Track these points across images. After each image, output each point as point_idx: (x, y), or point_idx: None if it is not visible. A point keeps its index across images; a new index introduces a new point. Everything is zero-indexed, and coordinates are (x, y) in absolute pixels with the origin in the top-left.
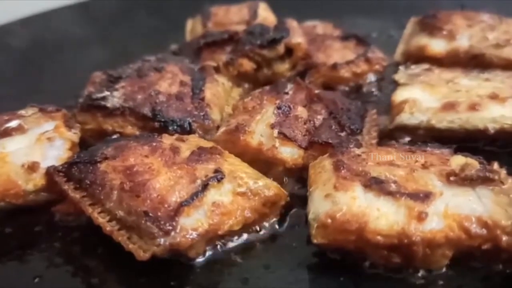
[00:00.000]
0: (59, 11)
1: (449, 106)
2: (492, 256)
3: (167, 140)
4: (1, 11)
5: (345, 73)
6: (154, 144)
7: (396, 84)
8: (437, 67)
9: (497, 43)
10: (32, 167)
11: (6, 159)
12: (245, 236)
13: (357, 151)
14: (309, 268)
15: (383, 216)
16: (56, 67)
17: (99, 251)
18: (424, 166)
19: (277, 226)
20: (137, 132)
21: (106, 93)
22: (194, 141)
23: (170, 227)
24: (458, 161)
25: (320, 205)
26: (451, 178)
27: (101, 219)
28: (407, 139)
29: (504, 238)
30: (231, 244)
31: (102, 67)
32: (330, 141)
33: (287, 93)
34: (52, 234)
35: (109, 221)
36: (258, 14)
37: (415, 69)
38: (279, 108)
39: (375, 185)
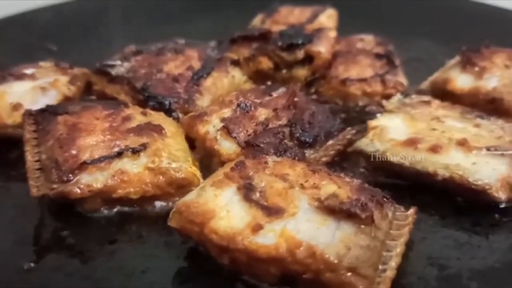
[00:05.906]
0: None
1: (411, 142)
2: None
3: (130, 110)
4: None
5: (355, 90)
6: (113, 110)
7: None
8: (438, 102)
9: None
10: (16, 107)
11: (4, 96)
12: (146, 206)
13: (269, 159)
14: (171, 250)
15: (227, 218)
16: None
17: None
18: (304, 187)
19: None
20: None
21: (118, 62)
22: (154, 118)
23: (66, 178)
24: (327, 189)
25: (190, 194)
26: (315, 204)
27: (29, 157)
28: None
29: (327, 274)
30: (129, 209)
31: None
32: (260, 145)
33: (271, 95)
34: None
35: (36, 161)
36: (317, 19)
37: (414, 99)
38: (238, 105)
39: (244, 190)
